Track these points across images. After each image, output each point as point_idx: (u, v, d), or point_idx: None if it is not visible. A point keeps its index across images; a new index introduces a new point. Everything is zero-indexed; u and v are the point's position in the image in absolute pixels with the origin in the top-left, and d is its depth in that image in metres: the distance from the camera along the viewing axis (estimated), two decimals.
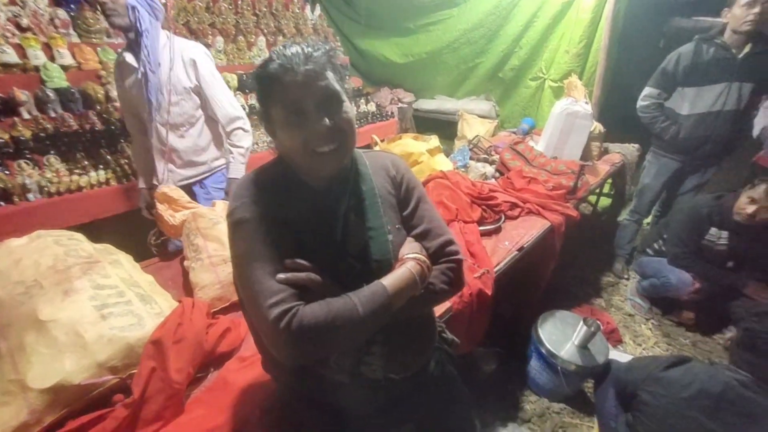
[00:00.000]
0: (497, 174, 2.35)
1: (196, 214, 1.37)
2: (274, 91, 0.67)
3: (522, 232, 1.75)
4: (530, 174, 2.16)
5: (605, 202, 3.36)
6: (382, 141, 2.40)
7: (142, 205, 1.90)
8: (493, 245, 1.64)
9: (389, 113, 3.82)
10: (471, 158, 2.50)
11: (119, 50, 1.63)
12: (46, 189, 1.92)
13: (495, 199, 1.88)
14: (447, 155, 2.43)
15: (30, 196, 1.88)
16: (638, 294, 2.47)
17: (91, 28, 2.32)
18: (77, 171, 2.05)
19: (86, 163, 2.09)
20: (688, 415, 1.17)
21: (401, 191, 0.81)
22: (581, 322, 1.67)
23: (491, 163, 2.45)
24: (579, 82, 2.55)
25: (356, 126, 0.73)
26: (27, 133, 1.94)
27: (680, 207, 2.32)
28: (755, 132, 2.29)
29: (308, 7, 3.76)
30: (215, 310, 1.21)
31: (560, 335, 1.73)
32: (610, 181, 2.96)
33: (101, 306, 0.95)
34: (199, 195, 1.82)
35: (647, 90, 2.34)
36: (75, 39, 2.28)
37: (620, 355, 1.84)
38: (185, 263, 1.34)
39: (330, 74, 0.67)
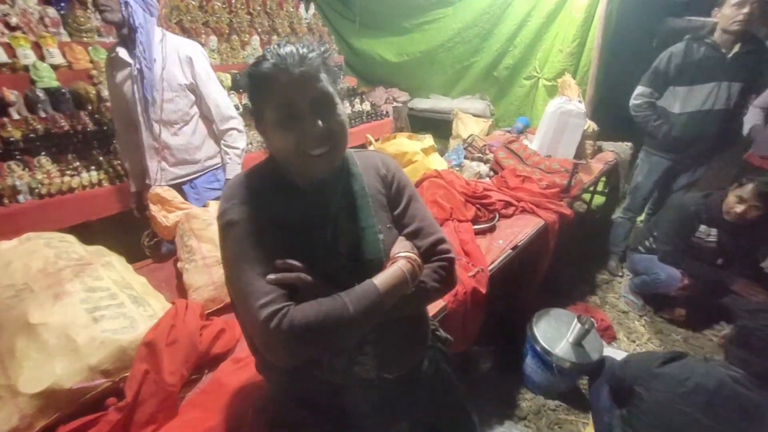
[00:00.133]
0: (491, 173, 2.36)
1: (190, 215, 1.36)
2: (267, 91, 0.66)
3: (516, 231, 1.76)
4: (524, 173, 2.18)
5: (599, 200, 3.38)
6: (376, 140, 2.40)
7: (133, 206, 1.90)
8: (487, 244, 1.65)
9: (384, 112, 3.81)
10: (465, 157, 2.51)
11: (112, 46, 1.61)
12: (36, 190, 1.90)
13: (489, 198, 1.89)
14: (442, 154, 2.42)
15: (20, 197, 1.86)
16: (632, 291, 2.49)
17: (82, 27, 2.28)
18: (69, 172, 2.02)
19: (78, 164, 2.06)
20: (683, 410, 1.18)
21: (392, 190, 0.81)
22: (575, 320, 1.69)
23: (486, 162, 2.46)
24: (572, 80, 2.56)
25: (349, 127, 0.73)
26: (17, 134, 1.92)
27: (669, 205, 2.35)
28: (745, 130, 2.32)
29: (302, 6, 3.73)
30: (209, 311, 1.20)
31: (555, 333, 1.74)
32: (604, 179, 2.99)
33: (93, 309, 0.94)
34: (189, 195, 1.79)
35: (639, 89, 2.36)
36: (65, 38, 2.24)
37: (614, 352, 1.86)
38: (179, 265, 1.34)
39: (324, 76, 0.67)
